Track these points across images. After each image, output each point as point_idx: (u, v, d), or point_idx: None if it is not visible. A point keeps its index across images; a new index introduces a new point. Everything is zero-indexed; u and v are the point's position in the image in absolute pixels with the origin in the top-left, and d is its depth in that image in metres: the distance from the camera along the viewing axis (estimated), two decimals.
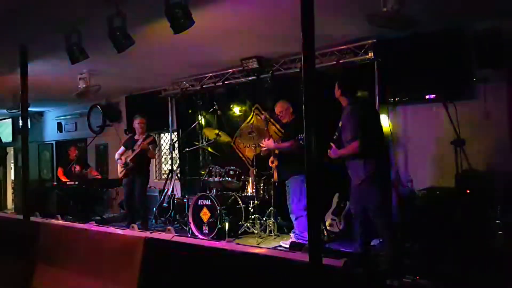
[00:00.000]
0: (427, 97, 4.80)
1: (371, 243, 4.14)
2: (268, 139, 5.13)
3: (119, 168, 6.21)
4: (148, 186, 7.69)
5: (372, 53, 4.97)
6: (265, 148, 5.16)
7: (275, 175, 5.12)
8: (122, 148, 6.36)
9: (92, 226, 3.93)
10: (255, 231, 5.35)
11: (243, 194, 5.62)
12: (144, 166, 6.19)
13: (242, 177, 5.69)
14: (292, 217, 4.89)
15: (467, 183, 3.91)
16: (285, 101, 5.14)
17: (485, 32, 4.33)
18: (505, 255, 3.51)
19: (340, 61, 5.22)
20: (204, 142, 6.82)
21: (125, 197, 6.28)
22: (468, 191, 3.93)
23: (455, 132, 3.86)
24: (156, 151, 6.76)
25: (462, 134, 3.93)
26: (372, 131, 3.78)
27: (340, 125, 3.93)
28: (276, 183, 5.25)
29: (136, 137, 6.30)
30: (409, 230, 4.41)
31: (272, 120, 6.35)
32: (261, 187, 5.56)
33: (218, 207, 5.31)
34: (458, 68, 4.60)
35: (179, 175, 7.48)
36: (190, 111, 7.21)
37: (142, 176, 6.16)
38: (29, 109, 4.83)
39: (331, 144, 3.92)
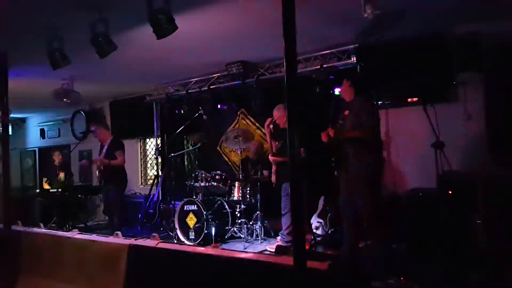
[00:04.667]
0: (408, 100, 4.89)
1: (359, 245, 4.17)
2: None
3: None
4: (133, 192, 7.64)
5: (355, 58, 5.05)
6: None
7: (274, 178, 5.10)
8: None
9: (75, 234, 3.88)
10: (242, 235, 5.34)
11: (230, 199, 5.61)
12: (114, 172, 5.78)
13: (228, 181, 5.68)
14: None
15: (448, 184, 3.98)
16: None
17: (464, 36, 4.44)
18: (486, 255, 3.58)
19: (324, 66, 5.29)
20: (190, 147, 6.78)
21: (103, 205, 6.20)
22: (450, 192, 4.00)
23: (435, 135, 3.93)
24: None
25: (443, 136, 4.00)
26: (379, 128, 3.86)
27: (345, 113, 3.98)
28: (274, 185, 5.18)
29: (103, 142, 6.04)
30: (394, 232, 4.46)
31: (257, 124, 6.37)
32: (248, 192, 5.55)
33: (205, 212, 5.29)
34: (439, 72, 4.69)
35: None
36: (175, 116, 7.18)
37: (116, 183, 5.80)
38: (11, 115, 4.72)
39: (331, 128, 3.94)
